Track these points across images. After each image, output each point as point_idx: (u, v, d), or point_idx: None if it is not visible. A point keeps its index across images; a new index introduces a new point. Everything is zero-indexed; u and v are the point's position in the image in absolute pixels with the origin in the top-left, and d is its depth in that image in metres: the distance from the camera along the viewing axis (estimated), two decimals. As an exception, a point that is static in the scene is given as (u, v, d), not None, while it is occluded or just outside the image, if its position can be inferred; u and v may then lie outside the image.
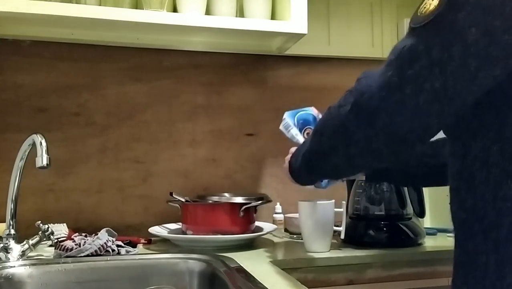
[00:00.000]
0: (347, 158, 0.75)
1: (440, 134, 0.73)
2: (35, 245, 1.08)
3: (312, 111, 1.08)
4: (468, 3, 0.57)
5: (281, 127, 1.05)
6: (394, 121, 0.65)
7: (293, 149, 0.96)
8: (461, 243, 0.71)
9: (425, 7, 0.62)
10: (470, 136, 0.66)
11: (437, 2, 0.60)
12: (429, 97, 0.62)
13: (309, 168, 0.87)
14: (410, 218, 1.24)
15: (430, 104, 0.62)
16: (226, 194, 1.30)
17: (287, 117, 1.05)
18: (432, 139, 1.01)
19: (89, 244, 1.08)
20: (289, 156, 0.95)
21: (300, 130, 1.04)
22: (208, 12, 1.35)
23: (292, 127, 1.04)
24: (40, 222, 1.09)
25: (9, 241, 1.06)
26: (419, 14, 0.63)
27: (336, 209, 1.14)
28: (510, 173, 0.62)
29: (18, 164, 1.09)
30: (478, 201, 0.65)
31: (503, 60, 0.58)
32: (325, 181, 1.02)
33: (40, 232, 1.08)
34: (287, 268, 0.99)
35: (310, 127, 1.04)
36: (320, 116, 1.07)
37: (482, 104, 0.63)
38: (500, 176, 0.63)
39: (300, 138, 1.02)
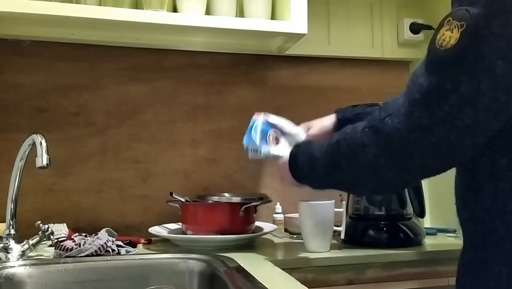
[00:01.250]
0: (374, 190, 0.79)
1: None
2: (35, 245, 1.08)
3: (258, 120, 1.06)
4: (491, 35, 0.56)
5: (250, 156, 1.04)
6: (428, 162, 0.65)
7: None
8: (473, 250, 0.71)
9: (444, 40, 0.60)
10: (479, 149, 0.66)
11: (458, 35, 0.58)
12: (461, 134, 0.61)
13: (326, 188, 0.87)
14: (410, 218, 1.24)
15: (463, 141, 0.62)
16: (226, 194, 1.30)
17: (247, 143, 1.03)
18: None
19: (89, 244, 1.08)
20: (283, 167, 0.95)
21: (266, 141, 1.02)
22: (208, 12, 1.35)
23: (260, 146, 1.02)
24: (40, 222, 1.09)
25: (9, 241, 1.06)
26: (438, 46, 0.61)
27: (336, 209, 1.14)
28: None
29: (18, 164, 1.09)
30: (488, 214, 0.65)
31: None
32: None
33: (40, 232, 1.08)
34: (287, 268, 0.99)
35: (271, 132, 1.04)
36: (268, 117, 1.06)
37: None
38: (508, 189, 0.63)
39: (275, 151, 1.01)
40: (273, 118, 1.07)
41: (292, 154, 0.94)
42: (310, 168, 0.87)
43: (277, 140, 1.03)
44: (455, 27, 0.59)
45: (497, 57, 0.56)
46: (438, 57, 0.61)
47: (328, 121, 1.09)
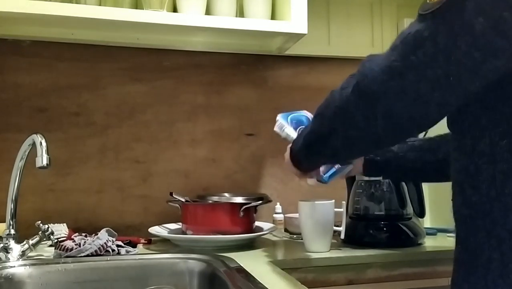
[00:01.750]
0: (346, 140, 0.75)
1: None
2: (35, 245, 1.08)
3: (305, 113, 1.09)
4: None
5: (275, 128, 1.06)
6: (393, 106, 0.65)
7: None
8: (462, 240, 0.71)
9: None
10: (478, 131, 0.65)
11: None
12: (430, 84, 0.61)
13: (309, 150, 0.87)
14: (410, 218, 1.24)
15: (431, 92, 0.62)
16: (226, 194, 1.31)
17: (281, 118, 1.07)
18: (431, 135, 1.01)
19: (89, 244, 1.08)
20: (288, 152, 0.96)
21: (295, 130, 1.04)
22: (208, 12, 1.35)
23: (287, 126, 1.05)
24: (40, 222, 1.09)
25: (9, 241, 1.06)
26: (428, 1, 0.62)
27: (336, 209, 1.14)
28: None
29: (18, 164, 1.09)
30: (483, 197, 0.65)
31: (509, 53, 0.58)
32: (327, 175, 1.02)
33: (40, 232, 1.08)
34: (287, 268, 0.99)
35: (303, 127, 1.05)
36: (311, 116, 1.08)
37: (490, 99, 0.63)
38: (507, 172, 0.62)
39: (295, 136, 1.02)
40: None
41: (291, 148, 0.95)
42: (303, 136, 0.88)
43: None
44: None
45: (479, 14, 0.56)
46: (424, 9, 0.62)
47: None
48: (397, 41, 0.65)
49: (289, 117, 1.06)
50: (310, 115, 1.08)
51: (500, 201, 0.63)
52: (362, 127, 0.70)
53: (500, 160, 0.63)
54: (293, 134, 1.03)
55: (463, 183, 0.69)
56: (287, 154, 0.96)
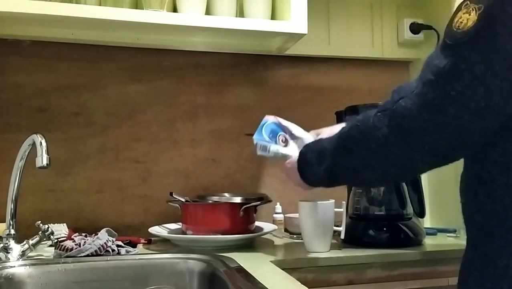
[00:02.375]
0: (383, 176, 0.75)
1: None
2: (35, 245, 1.08)
3: (269, 120, 1.07)
4: (505, 15, 0.56)
5: (259, 152, 1.03)
6: (436, 142, 0.65)
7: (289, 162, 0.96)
8: (476, 246, 0.70)
9: (461, 22, 0.60)
10: (491, 140, 0.65)
11: (476, 18, 0.59)
12: (472, 115, 0.61)
13: (333, 180, 0.86)
14: (410, 218, 1.24)
15: (474, 122, 0.62)
16: (226, 194, 1.31)
17: (257, 140, 1.03)
18: None
19: (89, 244, 1.08)
20: (291, 163, 0.95)
21: (275, 141, 1.03)
22: (208, 12, 1.34)
23: (269, 144, 1.02)
24: (40, 222, 1.09)
25: (9, 241, 1.06)
26: (455, 29, 0.61)
27: (336, 209, 1.14)
28: None
29: (18, 164, 1.09)
30: (498, 205, 0.65)
31: None
32: None
33: (40, 232, 1.08)
34: (287, 268, 0.99)
35: (281, 134, 1.04)
36: (278, 119, 1.06)
37: None
38: None
39: (284, 150, 1.01)
40: (284, 121, 1.07)
41: (301, 152, 0.94)
42: (319, 160, 0.86)
43: (286, 142, 1.04)
44: (472, 10, 0.60)
45: (510, 37, 0.56)
46: (454, 39, 0.61)
47: (337, 128, 1.09)
48: (429, 75, 0.64)
49: (263, 132, 1.04)
50: (273, 118, 1.07)
51: None
52: (404, 164, 0.70)
53: None
54: (281, 149, 1.02)
55: (476, 190, 0.69)
56: (290, 165, 0.95)
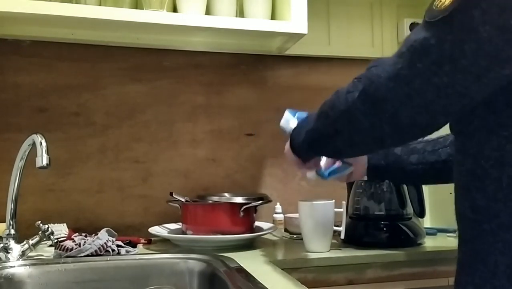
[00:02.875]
0: (350, 142, 0.76)
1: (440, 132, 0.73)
2: (35, 245, 1.08)
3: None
4: (484, 1, 0.57)
5: (281, 122, 1.05)
6: (399, 112, 0.65)
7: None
8: (467, 243, 0.70)
9: (441, 1, 0.61)
10: (484, 135, 0.66)
11: None
12: (436, 92, 0.62)
13: (311, 146, 0.88)
14: (410, 218, 1.24)
15: (437, 99, 0.62)
16: (226, 194, 1.30)
17: (288, 113, 1.06)
18: (433, 136, 1.01)
19: (89, 244, 1.08)
20: (288, 145, 0.96)
21: None
22: (208, 12, 1.35)
23: (293, 120, 1.04)
24: (40, 222, 1.09)
25: (9, 241, 1.06)
26: (434, 8, 0.62)
27: (336, 209, 1.14)
28: None
29: (18, 164, 1.09)
30: (490, 200, 0.65)
31: None
32: (327, 172, 1.01)
33: (40, 232, 1.08)
34: (287, 268, 0.99)
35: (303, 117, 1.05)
36: None
37: (498, 103, 0.63)
38: None
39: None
40: None
41: (293, 130, 0.95)
42: (304, 127, 0.89)
43: None
44: None
45: (485, 22, 0.57)
46: (431, 17, 0.62)
47: None
48: (403, 48, 0.65)
49: (296, 114, 1.06)
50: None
51: (507, 205, 0.63)
52: (367, 132, 0.71)
53: (507, 164, 0.63)
54: None
55: (469, 186, 0.69)
56: (287, 144, 0.96)
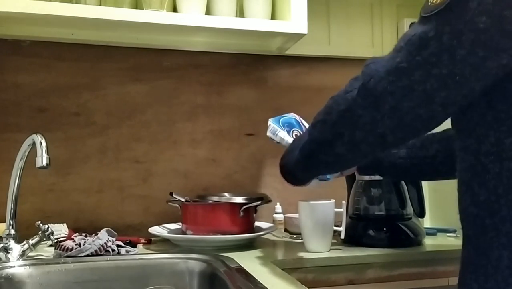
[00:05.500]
0: (352, 144, 0.74)
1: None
2: (35, 245, 1.08)
3: (294, 116, 1.09)
4: None
5: (268, 133, 1.06)
6: (400, 106, 0.65)
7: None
8: (471, 240, 0.70)
9: None
10: (483, 130, 0.66)
11: None
12: (436, 84, 0.62)
13: (308, 162, 0.86)
14: (410, 218, 1.24)
15: (437, 91, 0.63)
16: (226, 194, 1.30)
17: (272, 122, 1.06)
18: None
19: (89, 244, 1.08)
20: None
21: (288, 133, 1.05)
22: (208, 12, 1.35)
23: (280, 130, 1.05)
24: (40, 222, 1.09)
25: (9, 241, 1.06)
26: (429, 3, 0.63)
27: (336, 209, 1.14)
28: None
29: (18, 164, 1.09)
30: (491, 195, 0.65)
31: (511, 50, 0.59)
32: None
33: (40, 232, 1.08)
34: (287, 268, 0.99)
35: (296, 129, 1.05)
36: (302, 121, 1.09)
37: (495, 98, 0.64)
38: None
39: (290, 140, 1.03)
40: (306, 124, 1.09)
41: (281, 164, 0.95)
42: (297, 143, 0.88)
43: None
44: None
45: (482, 13, 0.58)
46: (428, 11, 0.63)
47: None
48: (401, 43, 0.66)
49: (280, 121, 1.06)
50: (298, 117, 1.09)
51: (508, 199, 0.63)
52: (369, 128, 0.70)
53: (506, 158, 0.64)
54: (287, 138, 1.03)
55: (470, 182, 0.69)
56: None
